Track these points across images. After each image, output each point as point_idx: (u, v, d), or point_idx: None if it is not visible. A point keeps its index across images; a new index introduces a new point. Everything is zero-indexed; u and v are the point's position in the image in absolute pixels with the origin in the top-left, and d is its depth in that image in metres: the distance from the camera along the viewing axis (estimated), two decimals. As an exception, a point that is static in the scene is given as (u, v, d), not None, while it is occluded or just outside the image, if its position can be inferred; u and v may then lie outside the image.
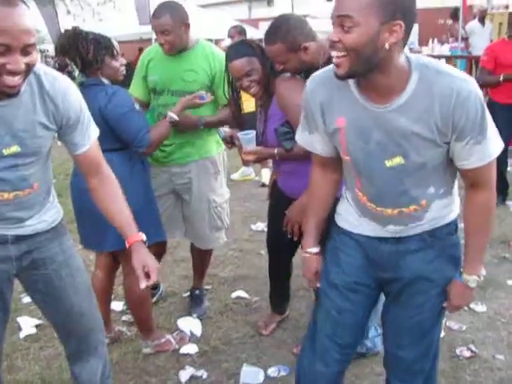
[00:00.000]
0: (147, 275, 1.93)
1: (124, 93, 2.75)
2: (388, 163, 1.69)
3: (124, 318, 3.46)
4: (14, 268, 2.02)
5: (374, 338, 2.94)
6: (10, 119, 1.78)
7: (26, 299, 3.66)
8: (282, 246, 3.02)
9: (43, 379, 2.87)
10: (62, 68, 19.28)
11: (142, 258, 1.93)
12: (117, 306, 3.49)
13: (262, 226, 5.06)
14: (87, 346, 2.26)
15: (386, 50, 1.52)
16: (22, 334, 3.33)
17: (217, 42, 8.44)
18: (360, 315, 2.00)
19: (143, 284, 1.89)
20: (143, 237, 1.96)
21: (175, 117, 2.88)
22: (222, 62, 3.00)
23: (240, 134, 2.71)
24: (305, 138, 1.93)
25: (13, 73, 1.61)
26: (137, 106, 2.77)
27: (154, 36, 11.43)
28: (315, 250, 2.06)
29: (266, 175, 6.28)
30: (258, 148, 2.70)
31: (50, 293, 2.08)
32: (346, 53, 1.53)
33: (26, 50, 1.61)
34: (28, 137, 1.83)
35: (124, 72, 2.82)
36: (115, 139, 2.71)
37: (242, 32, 6.63)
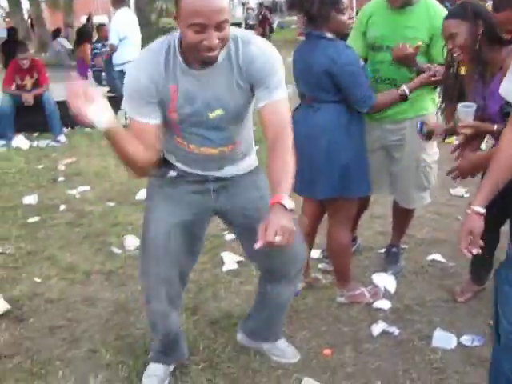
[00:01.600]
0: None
1: (352, 51, 2.77)
2: None
3: (320, 265, 3.58)
4: (213, 200, 2.27)
5: None
6: (212, 84, 1.97)
7: (229, 236, 3.94)
8: (489, 216, 2.90)
9: (243, 311, 3.05)
10: (264, 19, 19.92)
11: (278, 220, 1.73)
12: (314, 253, 3.59)
13: (461, 191, 4.89)
14: (284, 276, 2.42)
15: None
16: (224, 268, 3.59)
17: None
18: None
19: (257, 244, 1.73)
20: (285, 201, 1.78)
21: (407, 92, 2.84)
22: (442, 18, 2.90)
23: (460, 106, 2.62)
24: (508, 87, 1.81)
25: (209, 48, 1.81)
26: (361, 62, 2.79)
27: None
28: (481, 210, 1.93)
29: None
30: (476, 122, 2.59)
31: (248, 227, 2.17)
32: None
33: (219, 27, 1.78)
34: (229, 99, 2.01)
35: (352, 25, 2.83)
36: (336, 92, 2.76)
37: None
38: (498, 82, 2.49)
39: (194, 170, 2.23)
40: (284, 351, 2.72)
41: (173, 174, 2.25)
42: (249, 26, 25.64)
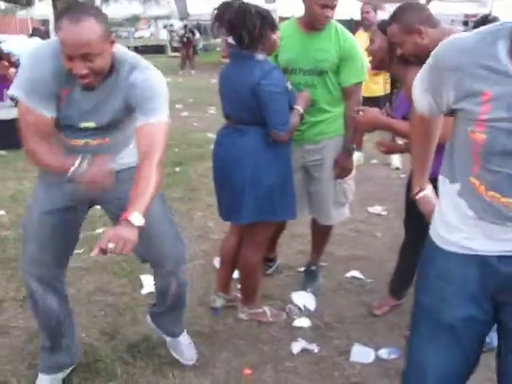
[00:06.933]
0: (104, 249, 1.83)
1: (278, 73, 2.77)
2: None
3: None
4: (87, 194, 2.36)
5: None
6: (92, 101, 2.15)
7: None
8: (420, 229, 3.00)
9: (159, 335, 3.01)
10: (188, 42, 19.97)
11: (115, 231, 1.86)
12: (236, 274, 3.57)
13: (378, 209, 5.05)
14: (159, 268, 2.57)
15: None
16: (144, 291, 3.53)
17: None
18: (471, 358, 1.73)
19: (93, 252, 1.82)
20: (132, 217, 1.88)
21: (301, 110, 2.89)
22: (351, 43, 3.07)
23: None
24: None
25: (80, 76, 1.99)
26: (289, 85, 2.80)
27: (277, 14, 11.53)
28: (429, 191, 2.04)
29: (396, 159, 6.42)
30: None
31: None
32: None
33: (87, 58, 1.95)
34: (104, 116, 2.20)
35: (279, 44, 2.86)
36: (263, 114, 2.76)
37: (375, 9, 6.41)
38: (402, 97, 2.64)
39: None
40: (183, 351, 2.82)
41: None
42: (173, 49, 25.68)
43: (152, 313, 2.85)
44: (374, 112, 2.79)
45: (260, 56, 2.74)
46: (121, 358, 2.84)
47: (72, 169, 2.11)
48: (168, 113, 2.14)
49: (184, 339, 2.84)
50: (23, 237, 2.52)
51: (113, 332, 3.08)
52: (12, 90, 2.10)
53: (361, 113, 2.80)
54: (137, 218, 1.89)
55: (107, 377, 2.69)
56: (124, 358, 2.83)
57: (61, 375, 2.62)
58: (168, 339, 2.84)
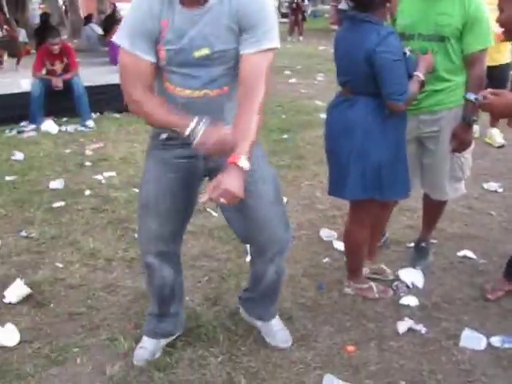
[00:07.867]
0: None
1: (396, 38, 2.59)
2: None
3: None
4: (202, 165, 2.29)
5: None
6: (201, 24, 2.01)
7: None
8: None
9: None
10: (297, 7, 19.73)
11: (227, 183, 1.91)
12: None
13: (494, 185, 4.77)
14: (262, 253, 2.47)
15: None
16: (248, 258, 3.48)
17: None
18: None
19: (202, 198, 1.91)
20: (240, 162, 1.93)
21: (421, 76, 2.69)
22: (477, 5, 2.80)
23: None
24: None
25: None
26: (407, 52, 2.64)
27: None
28: None
29: (496, 135, 5.97)
30: None
31: None
32: None
33: None
34: (216, 40, 2.03)
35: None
36: (376, 83, 2.60)
37: None
38: None
39: None
40: (275, 333, 2.72)
41: (163, 136, 2.27)
42: (282, 15, 25.48)
43: (243, 299, 2.81)
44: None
45: (379, 19, 2.59)
46: (223, 324, 2.84)
47: (188, 129, 2.02)
48: (278, 38, 2.05)
49: (276, 323, 2.74)
50: (140, 213, 2.44)
51: (216, 298, 3.09)
52: (117, 39, 2.05)
53: (491, 96, 2.41)
54: (244, 161, 1.93)
55: (208, 343, 2.70)
56: (226, 325, 2.84)
57: (164, 341, 2.65)
58: (258, 323, 2.75)
